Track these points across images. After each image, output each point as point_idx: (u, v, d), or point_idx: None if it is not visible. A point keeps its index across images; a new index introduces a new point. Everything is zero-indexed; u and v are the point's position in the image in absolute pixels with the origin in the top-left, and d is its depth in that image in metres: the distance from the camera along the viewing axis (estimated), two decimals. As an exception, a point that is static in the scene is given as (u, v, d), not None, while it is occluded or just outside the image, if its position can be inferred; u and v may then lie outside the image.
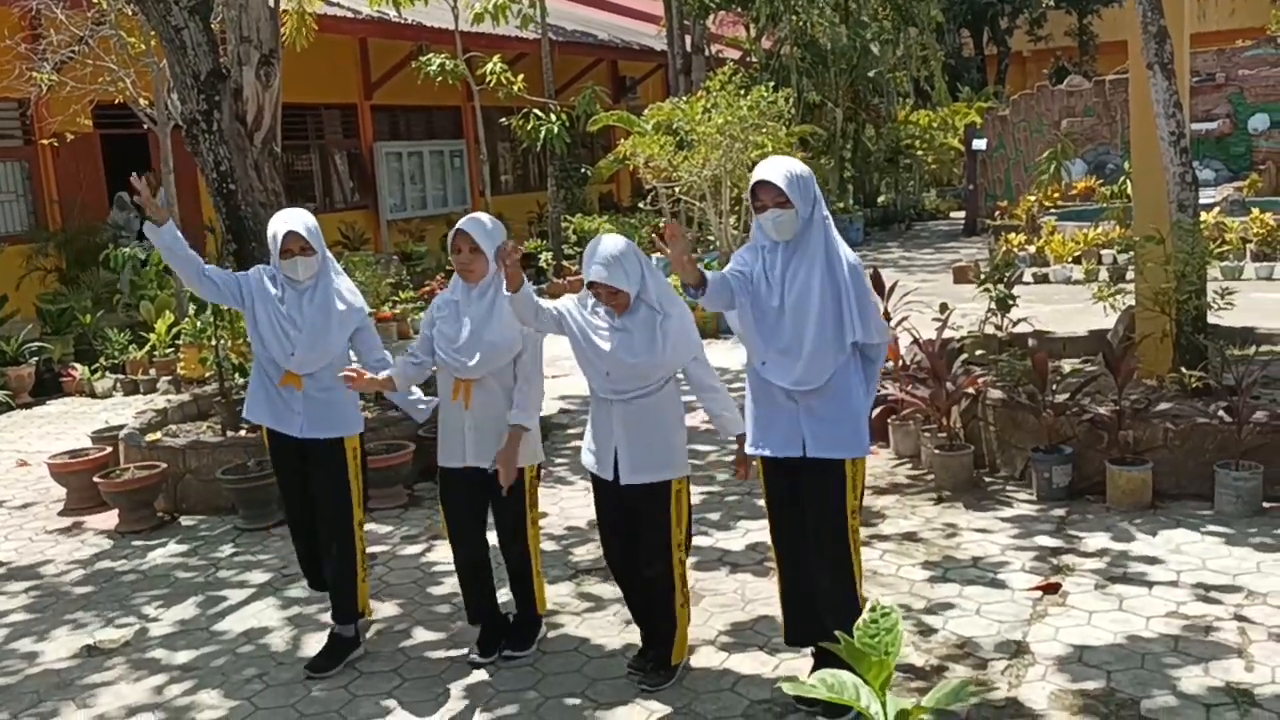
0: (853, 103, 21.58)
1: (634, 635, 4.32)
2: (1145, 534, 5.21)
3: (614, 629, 4.55)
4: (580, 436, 7.53)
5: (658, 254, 3.54)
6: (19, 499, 7.18)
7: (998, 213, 18.15)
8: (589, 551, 5.46)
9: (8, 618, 5.17)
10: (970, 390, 6.39)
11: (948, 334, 6.99)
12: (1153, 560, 4.90)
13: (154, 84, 10.80)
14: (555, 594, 4.88)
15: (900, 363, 6.97)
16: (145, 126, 11.62)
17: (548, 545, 5.53)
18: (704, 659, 4.21)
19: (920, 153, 22.82)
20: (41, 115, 12.40)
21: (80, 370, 10.58)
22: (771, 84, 15.21)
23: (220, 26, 7.18)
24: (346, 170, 18.56)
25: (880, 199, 23.06)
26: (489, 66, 15.09)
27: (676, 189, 13.69)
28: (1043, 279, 13.39)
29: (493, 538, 4.33)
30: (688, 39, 19.74)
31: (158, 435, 7.05)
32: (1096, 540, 5.18)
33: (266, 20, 6.86)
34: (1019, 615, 4.44)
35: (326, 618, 4.62)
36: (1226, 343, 6.62)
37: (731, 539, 5.51)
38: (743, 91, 13.41)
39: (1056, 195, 17.93)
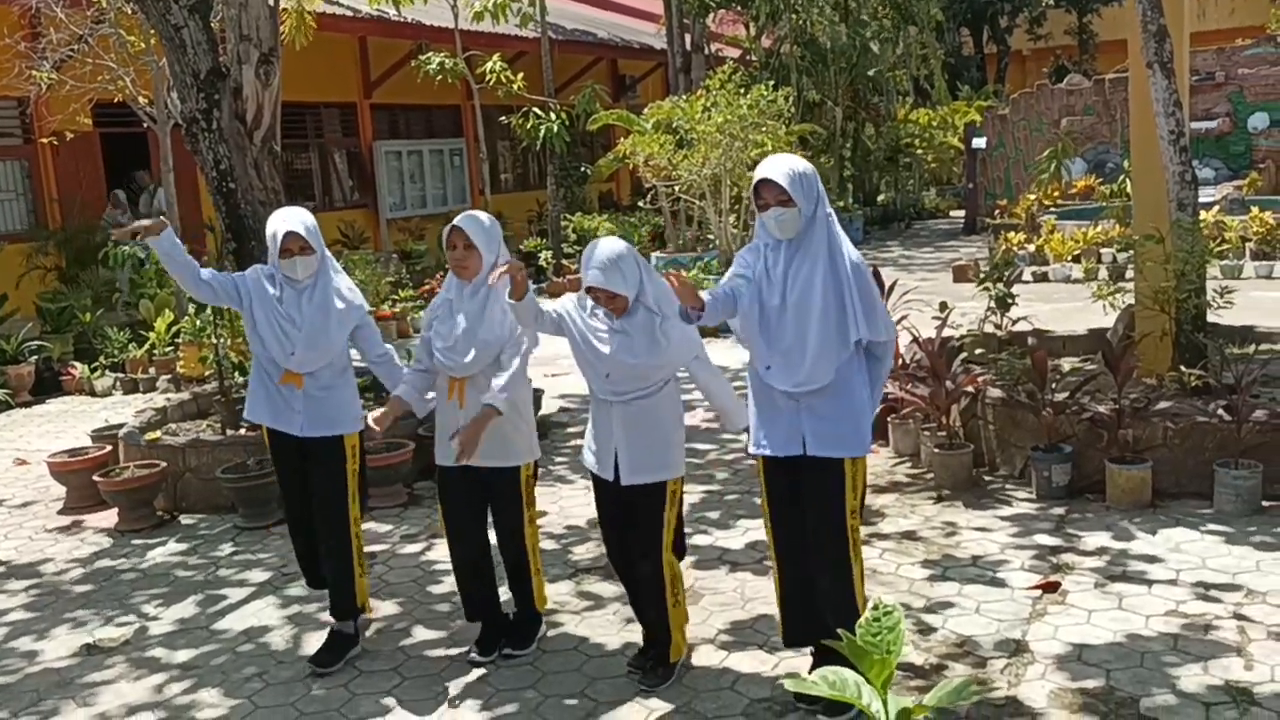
0: (852, 101, 21.58)
1: (633, 634, 4.33)
2: (1145, 533, 5.22)
3: (613, 628, 4.55)
4: (579, 435, 7.54)
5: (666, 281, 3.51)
6: (18, 498, 7.18)
7: (997, 211, 18.15)
8: (589, 550, 5.46)
9: (7, 616, 5.17)
10: (970, 389, 6.39)
11: (947, 333, 7.00)
12: (1152, 559, 4.90)
13: (153, 82, 10.80)
14: (555, 593, 4.88)
15: (900, 361, 6.96)
16: (145, 125, 11.62)
17: (547, 544, 5.53)
18: (704, 657, 4.21)
19: (920, 151, 22.82)
20: (41, 114, 12.40)
21: (80, 369, 10.58)
22: (771, 83, 15.21)
23: (220, 25, 7.18)
24: (346, 169, 18.55)
25: (880, 198, 23.06)
26: (488, 65, 15.10)
27: (676, 188, 13.69)
28: (1042, 278, 13.39)
29: (492, 536, 4.33)
30: (687, 37, 19.73)
31: (157, 434, 7.05)
32: (1096, 539, 5.18)
33: (266, 19, 6.86)
34: (1018, 614, 4.44)
35: (326, 616, 4.62)
36: (1226, 341, 6.62)
37: (731, 537, 5.51)
38: (742, 90, 13.41)
39: (1056, 194, 17.93)
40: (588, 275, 3.74)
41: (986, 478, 6.21)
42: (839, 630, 2.14)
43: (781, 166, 3.53)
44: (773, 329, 3.56)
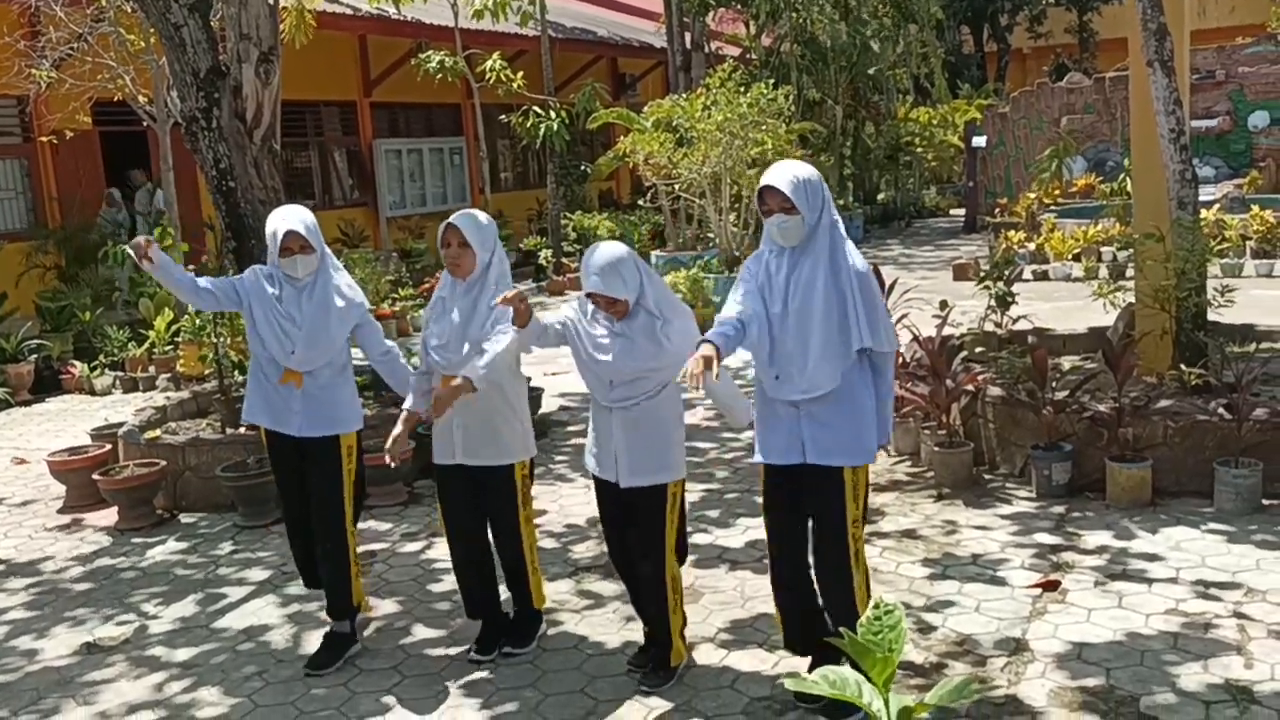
0: (853, 100, 21.57)
1: (634, 633, 4.33)
2: (1145, 531, 5.21)
3: (614, 626, 4.55)
4: (579, 434, 7.55)
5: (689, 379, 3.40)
6: (18, 496, 7.18)
7: (997, 210, 18.15)
8: (589, 549, 5.46)
9: (7, 615, 5.17)
10: (970, 387, 6.39)
11: (947, 331, 7.00)
12: (1152, 557, 4.90)
13: (153, 81, 10.80)
14: (555, 591, 4.88)
15: (900, 360, 6.96)
16: (144, 124, 11.63)
17: (548, 543, 5.53)
18: (704, 656, 4.21)
19: (920, 150, 22.81)
20: (41, 112, 12.39)
21: (79, 368, 10.58)
22: (771, 81, 15.20)
23: (220, 24, 7.17)
24: (346, 167, 18.55)
25: (880, 196, 23.06)
26: (488, 64, 15.10)
27: (676, 186, 13.68)
28: (1042, 276, 13.39)
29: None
30: (687, 36, 19.72)
31: (157, 433, 7.05)
32: (1096, 537, 5.18)
33: (266, 17, 6.86)
34: (1018, 612, 4.44)
35: (326, 615, 4.62)
36: (1226, 340, 6.62)
37: (731, 536, 5.51)
38: (742, 88, 13.39)
39: (1056, 192, 17.93)
40: (587, 281, 3.74)
41: (986, 476, 6.20)
42: (840, 629, 2.14)
43: (786, 174, 3.52)
44: (775, 336, 3.55)
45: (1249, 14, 24.41)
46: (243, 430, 6.85)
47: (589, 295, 3.79)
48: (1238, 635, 4.12)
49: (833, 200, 3.61)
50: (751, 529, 5.51)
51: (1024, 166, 19.87)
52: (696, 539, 5.36)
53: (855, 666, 2.04)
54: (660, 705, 3.88)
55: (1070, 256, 13.71)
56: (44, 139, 12.06)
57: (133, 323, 11.27)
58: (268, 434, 4.49)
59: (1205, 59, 18.74)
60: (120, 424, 7.38)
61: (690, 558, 4.78)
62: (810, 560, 3.74)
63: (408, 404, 4.28)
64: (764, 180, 3.54)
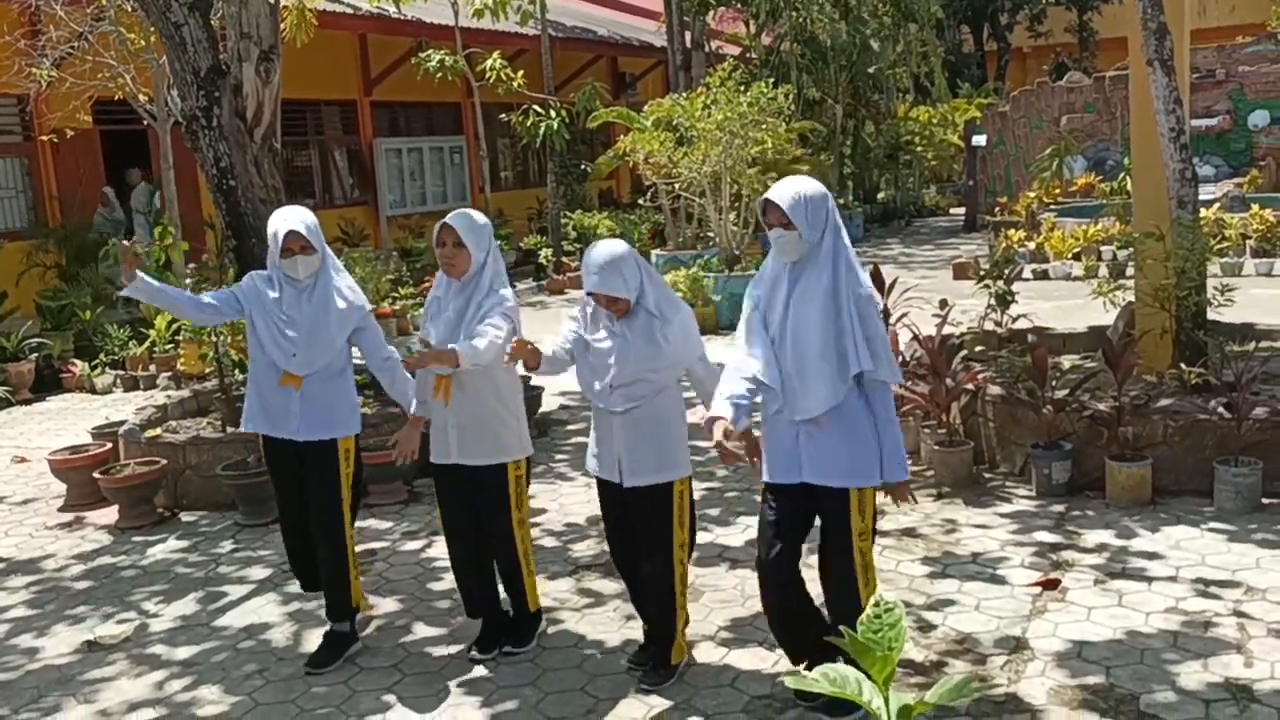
0: (852, 99, 21.57)
1: (634, 631, 4.33)
2: (1145, 530, 5.22)
3: (614, 625, 4.55)
4: (579, 433, 7.55)
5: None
6: (19, 495, 7.19)
7: (997, 209, 18.15)
8: (589, 547, 5.46)
9: (8, 613, 5.17)
10: (970, 386, 6.39)
11: (947, 330, 7.00)
12: (1152, 556, 4.91)
13: (153, 80, 10.81)
14: (555, 590, 4.88)
15: (900, 359, 6.96)
16: (145, 122, 11.64)
17: (548, 541, 5.53)
18: (704, 654, 4.22)
19: (920, 149, 22.81)
20: (41, 111, 12.40)
21: (80, 366, 10.58)
22: (771, 80, 15.20)
23: (220, 22, 7.17)
24: (346, 166, 18.55)
25: (880, 195, 23.06)
26: (489, 63, 15.09)
27: (676, 185, 13.68)
28: (1042, 275, 13.39)
29: (491, 534, 4.33)
30: (687, 35, 19.72)
31: (158, 431, 7.05)
32: (1096, 536, 5.19)
33: (266, 16, 6.86)
34: (1018, 611, 4.44)
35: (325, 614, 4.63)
36: (1226, 339, 6.62)
37: (731, 534, 5.51)
38: (742, 88, 13.38)
39: (1057, 191, 17.93)
40: (588, 280, 3.74)
41: (986, 475, 6.21)
42: (841, 627, 2.15)
43: (787, 190, 3.48)
44: (774, 355, 3.52)
45: (1249, 13, 24.40)
46: (243, 429, 6.85)
47: (590, 294, 3.79)
48: (1238, 634, 4.12)
49: (842, 225, 3.53)
50: (752, 528, 5.51)
51: (1024, 165, 19.87)
52: (697, 537, 5.36)
53: (854, 665, 2.04)
54: (660, 703, 3.88)
55: (1070, 255, 13.71)
56: (44, 138, 12.07)
57: (133, 321, 11.28)
58: (265, 442, 4.49)
59: (1205, 58, 18.75)
60: (121, 423, 7.38)
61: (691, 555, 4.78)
62: (798, 571, 3.68)
63: (416, 410, 4.29)
64: (767, 194, 3.53)
